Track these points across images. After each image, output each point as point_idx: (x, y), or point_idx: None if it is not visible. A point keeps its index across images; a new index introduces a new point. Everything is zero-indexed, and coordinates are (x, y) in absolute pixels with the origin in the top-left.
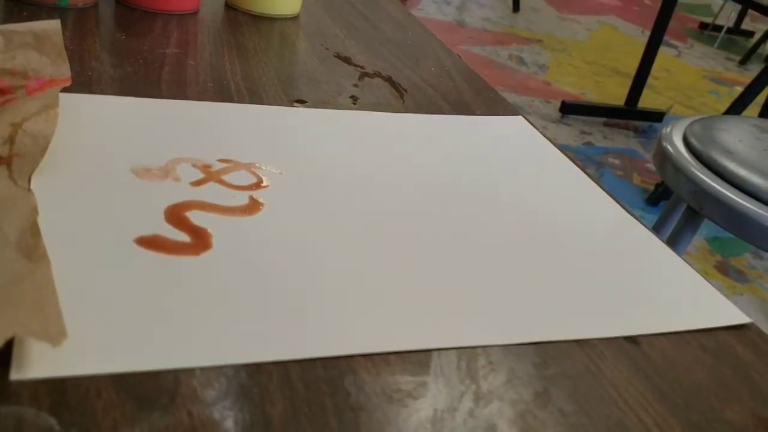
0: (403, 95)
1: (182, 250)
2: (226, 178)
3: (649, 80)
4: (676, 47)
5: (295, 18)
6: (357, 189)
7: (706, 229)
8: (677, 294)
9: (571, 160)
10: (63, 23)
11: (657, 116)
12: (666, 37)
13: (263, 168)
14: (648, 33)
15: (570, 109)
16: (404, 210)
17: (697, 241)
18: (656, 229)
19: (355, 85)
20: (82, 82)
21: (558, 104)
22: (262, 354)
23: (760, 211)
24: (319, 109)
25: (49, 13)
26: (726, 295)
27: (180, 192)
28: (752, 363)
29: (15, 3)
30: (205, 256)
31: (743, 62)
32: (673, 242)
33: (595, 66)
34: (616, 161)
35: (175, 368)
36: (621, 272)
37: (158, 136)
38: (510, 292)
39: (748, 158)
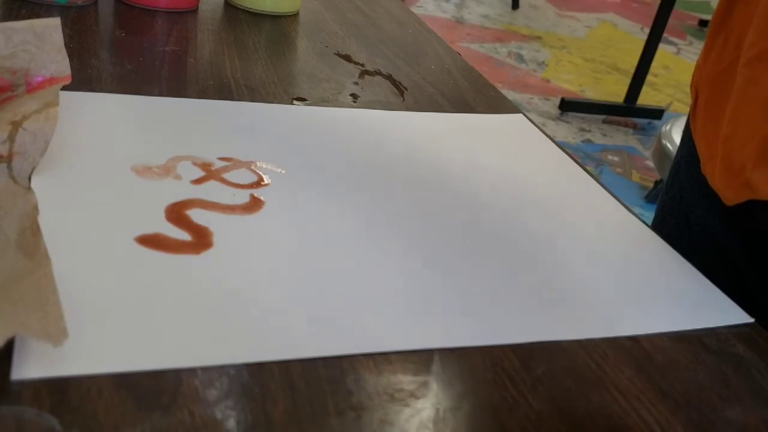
0: (403, 93)
1: (183, 249)
2: (226, 176)
3: (648, 77)
4: (675, 44)
5: (294, 16)
6: (357, 187)
7: None
8: (679, 293)
9: (570, 157)
10: (63, 21)
11: (656, 113)
12: (665, 35)
13: (264, 166)
14: (647, 30)
15: (569, 106)
16: (405, 208)
17: None
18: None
19: (356, 83)
20: (82, 80)
21: (557, 101)
22: (263, 353)
23: None
24: (320, 107)
25: (49, 10)
26: None
27: (181, 190)
28: (754, 362)
29: (14, 1)
30: (206, 254)
31: None
32: None
33: (594, 63)
34: (615, 158)
35: (176, 368)
36: (622, 270)
37: (158, 134)
38: (511, 291)
39: None
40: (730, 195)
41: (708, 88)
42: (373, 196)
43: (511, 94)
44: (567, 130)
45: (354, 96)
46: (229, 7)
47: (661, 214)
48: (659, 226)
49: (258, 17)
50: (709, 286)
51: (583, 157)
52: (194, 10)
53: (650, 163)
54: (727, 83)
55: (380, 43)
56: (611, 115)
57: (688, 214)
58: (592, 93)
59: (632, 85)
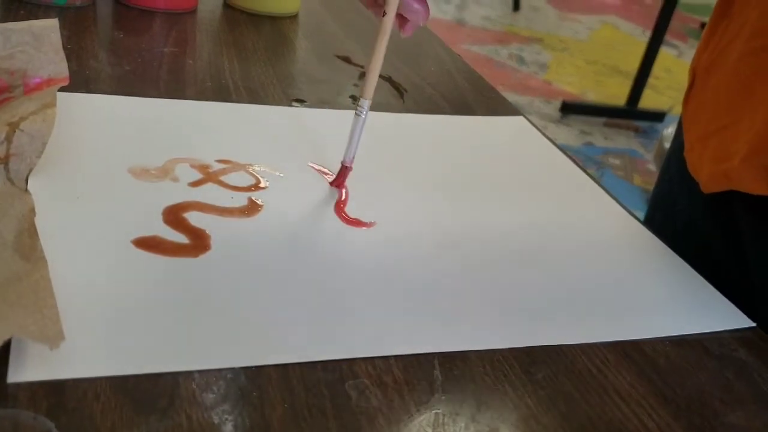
0: (403, 95)
1: (181, 252)
2: (224, 178)
3: (650, 80)
4: (677, 47)
5: (294, 17)
6: (356, 190)
7: None
8: (681, 297)
9: (571, 160)
10: (61, 22)
11: (658, 116)
12: (667, 37)
13: (262, 169)
14: (649, 32)
15: (570, 108)
16: (404, 211)
17: None
18: (646, 220)
19: (355, 85)
20: (80, 82)
21: (558, 104)
22: (261, 357)
23: None
24: (319, 109)
25: (47, 11)
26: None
27: (178, 193)
28: (756, 367)
29: (13, 1)
30: (203, 257)
31: None
32: None
33: (595, 65)
34: (617, 161)
35: (173, 371)
36: (623, 275)
37: (156, 135)
38: (512, 295)
39: None
40: (709, 182)
41: (705, 72)
42: (373, 199)
43: (512, 97)
44: (568, 133)
45: (354, 98)
46: (228, 8)
47: (652, 209)
48: (650, 220)
49: (257, 18)
50: (710, 290)
51: (585, 159)
52: (193, 11)
53: (652, 167)
54: (724, 69)
55: None
56: (613, 117)
57: (675, 206)
58: (594, 95)
59: (634, 87)
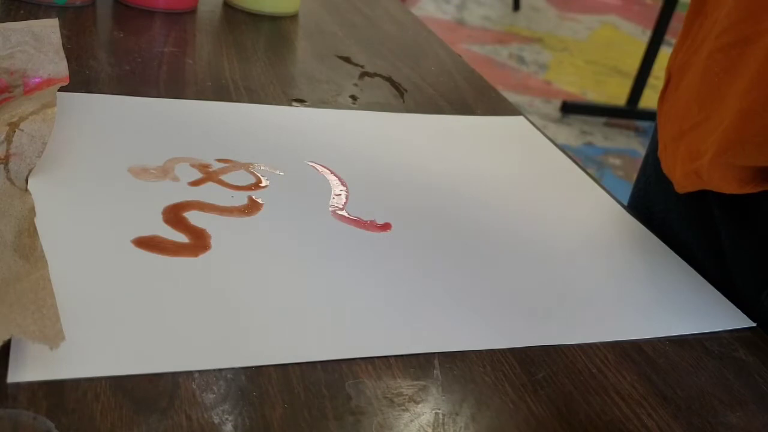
0: (403, 95)
1: (181, 251)
2: (224, 178)
3: (651, 80)
4: None
5: (294, 16)
6: (356, 189)
7: None
8: (681, 297)
9: (572, 160)
10: (61, 22)
11: None
12: (667, 37)
13: (262, 168)
14: (649, 32)
15: (571, 108)
16: (404, 211)
17: None
18: None
19: (355, 85)
20: (80, 81)
21: (558, 104)
22: (261, 357)
23: None
24: (319, 109)
25: (47, 11)
26: None
27: (178, 192)
28: (756, 367)
29: (12, 1)
30: (203, 257)
31: None
32: None
33: (595, 65)
34: (617, 161)
35: (173, 371)
36: (623, 274)
37: (156, 135)
38: (511, 295)
39: None
40: (682, 182)
41: (680, 71)
42: (372, 199)
43: (512, 96)
44: (568, 133)
45: (353, 97)
46: (228, 8)
47: (630, 207)
48: None
49: (257, 18)
50: (710, 290)
51: (585, 159)
52: (193, 11)
53: None
54: (696, 67)
55: (380, 44)
56: (613, 117)
57: (651, 207)
58: (594, 95)
59: (634, 87)
